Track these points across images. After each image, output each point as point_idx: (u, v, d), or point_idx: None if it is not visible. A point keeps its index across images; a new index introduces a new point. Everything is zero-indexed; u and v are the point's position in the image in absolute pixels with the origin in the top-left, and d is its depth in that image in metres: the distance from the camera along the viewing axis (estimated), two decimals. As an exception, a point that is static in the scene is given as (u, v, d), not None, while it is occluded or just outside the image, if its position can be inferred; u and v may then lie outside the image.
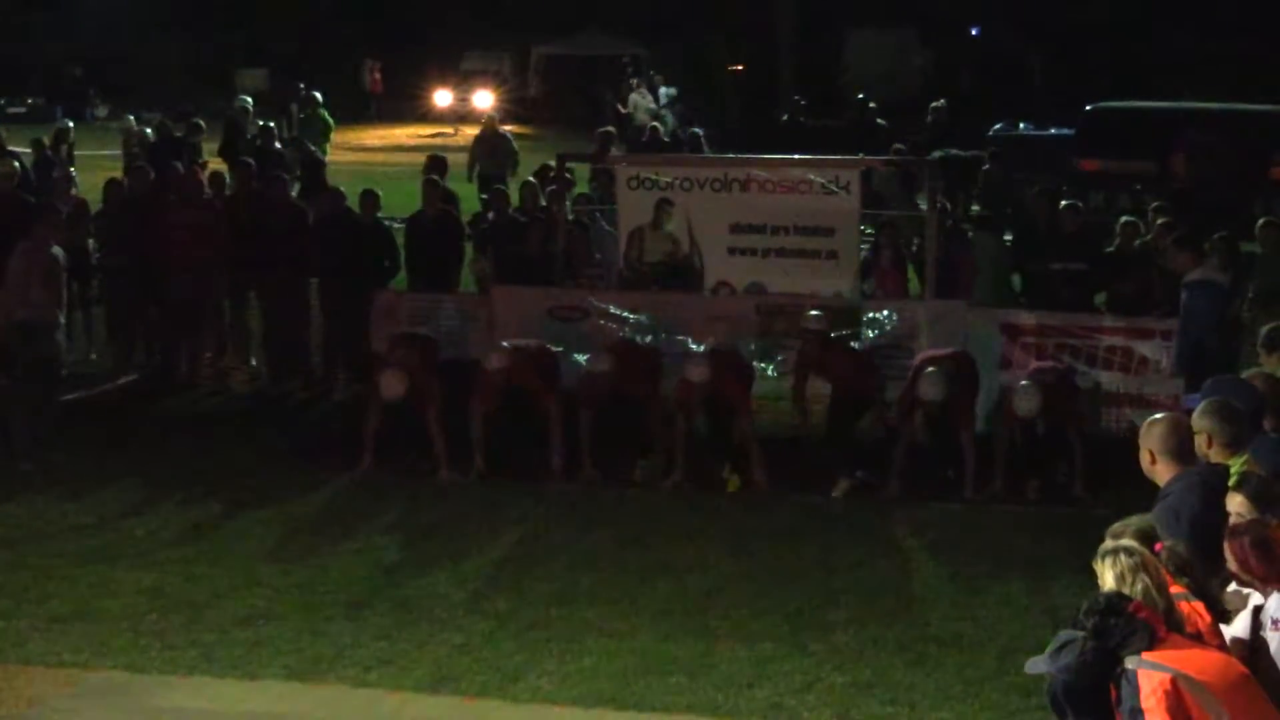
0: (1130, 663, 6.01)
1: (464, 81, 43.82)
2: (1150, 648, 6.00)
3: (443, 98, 43.04)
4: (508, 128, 31.37)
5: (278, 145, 26.05)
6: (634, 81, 38.26)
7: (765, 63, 35.91)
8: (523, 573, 12.00)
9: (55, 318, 14.92)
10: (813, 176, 16.34)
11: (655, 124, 31.89)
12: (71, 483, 14.35)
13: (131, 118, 30.92)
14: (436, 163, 20.61)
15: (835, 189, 16.02)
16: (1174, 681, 5.90)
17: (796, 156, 19.01)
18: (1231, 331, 14.46)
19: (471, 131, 33.13)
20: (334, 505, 13.75)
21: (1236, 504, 7.08)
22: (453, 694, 10.07)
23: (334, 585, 12.00)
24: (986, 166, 25.33)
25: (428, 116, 39.61)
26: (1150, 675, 5.94)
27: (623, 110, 36.40)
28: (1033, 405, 12.43)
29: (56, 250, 15.00)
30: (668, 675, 10.18)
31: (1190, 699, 5.95)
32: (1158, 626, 6.08)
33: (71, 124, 27.03)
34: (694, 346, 15.44)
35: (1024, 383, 13.01)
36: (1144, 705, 5.90)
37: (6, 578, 12.17)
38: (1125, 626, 6.07)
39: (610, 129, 28.85)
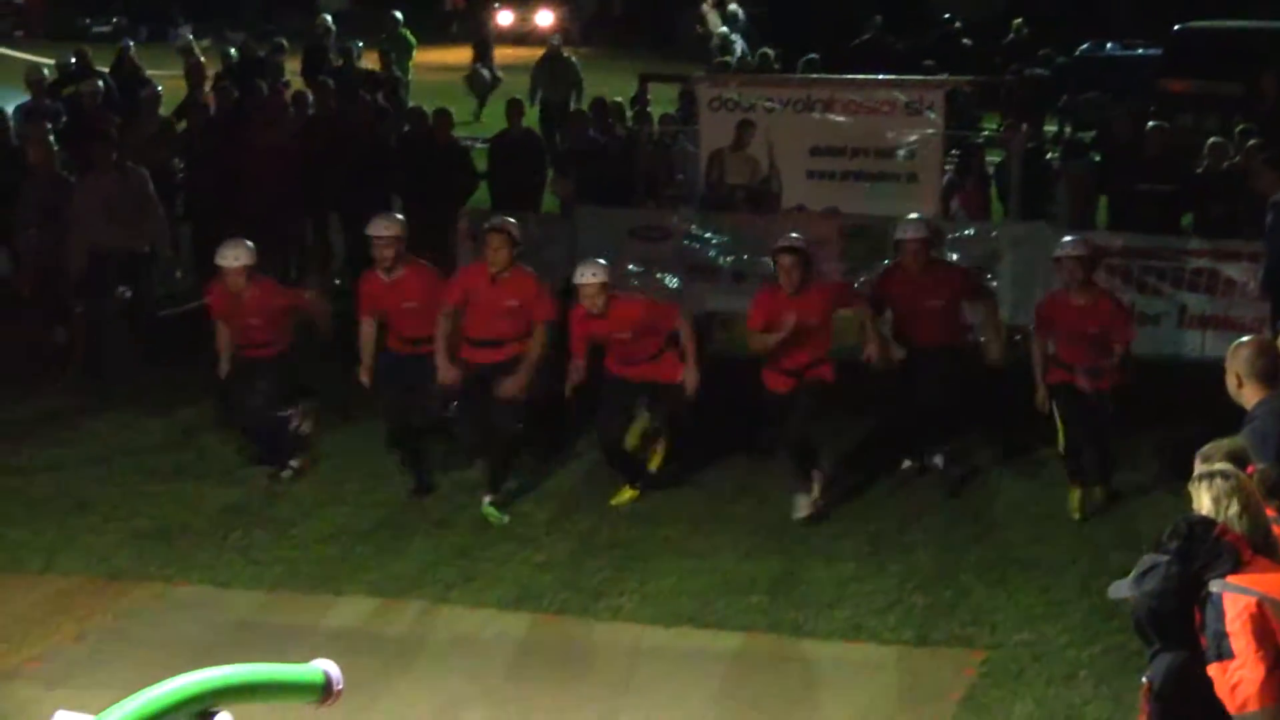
0: (1215, 586, 6.01)
1: (528, 5, 43.00)
2: (1235, 571, 6.03)
3: (504, 17, 41.75)
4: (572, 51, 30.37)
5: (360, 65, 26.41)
6: (708, 3, 37.63)
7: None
8: (605, 493, 11.87)
9: (142, 244, 15.05)
10: (898, 96, 16.18)
11: (724, 45, 31.64)
12: (159, 401, 14.70)
13: (191, 36, 30.68)
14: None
15: (919, 109, 15.76)
16: (1259, 605, 5.93)
17: (881, 77, 18.80)
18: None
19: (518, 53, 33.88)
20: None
21: None
22: (533, 611, 10.19)
23: (417, 503, 12.05)
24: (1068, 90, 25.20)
25: (490, 37, 38.09)
26: (1236, 599, 5.95)
27: (699, 30, 35.54)
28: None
29: (142, 171, 15.13)
30: (748, 594, 10.33)
31: (1276, 622, 5.95)
32: (1243, 550, 6.09)
33: (131, 43, 26.33)
34: (772, 266, 15.61)
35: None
36: (1229, 629, 5.92)
37: (96, 494, 12.38)
38: (1211, 550, 6.09)
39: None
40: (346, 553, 10.82)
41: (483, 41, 33.09)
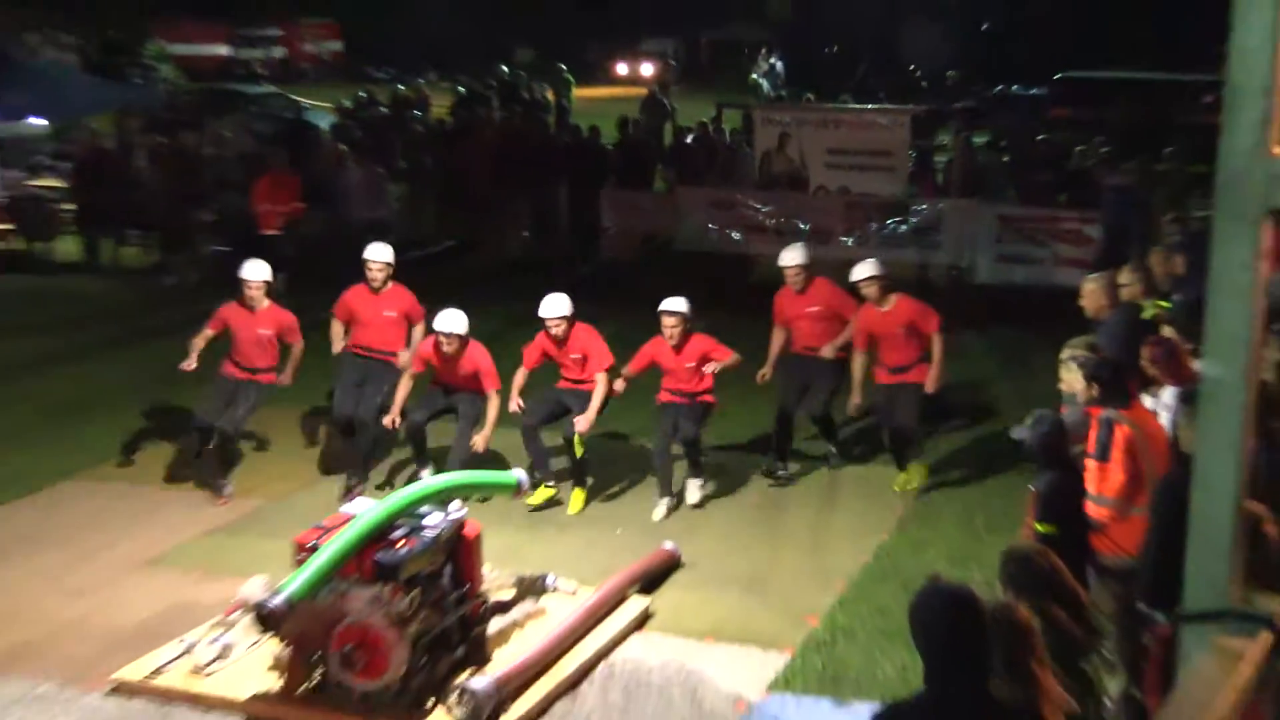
0: (1109, 414, 7.03)
1: (636, 58, 46.35)
2: (1126, 408, 7.09)
3: (621, 67, 45.55)
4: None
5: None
6: (762, 53, 41.55)
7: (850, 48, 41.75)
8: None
9: (382, 212, 18.77)
10: (879, 119, 19.73)
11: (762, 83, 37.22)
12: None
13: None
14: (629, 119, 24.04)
15: (894, 126, 19.17)
16: (1133, 432, 6.95)
17: (870, 106, 22.44)
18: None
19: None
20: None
21: (1166, 330, 8.42)
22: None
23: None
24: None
25: (612, 79, 43.58)
26: (1122, 426, 6.97)
27: (753, 77, 40.28)
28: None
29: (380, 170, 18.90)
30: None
31: (1138, 448, 6.93)
32: (1134, 394, 7.28)
33: (400, 85, 30.71)
34: (802, 226, 18.11)
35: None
36: (1113, 442, 6.88)
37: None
38: (1119, 389, 7.12)
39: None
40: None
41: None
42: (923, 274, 17.94)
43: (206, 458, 10.99)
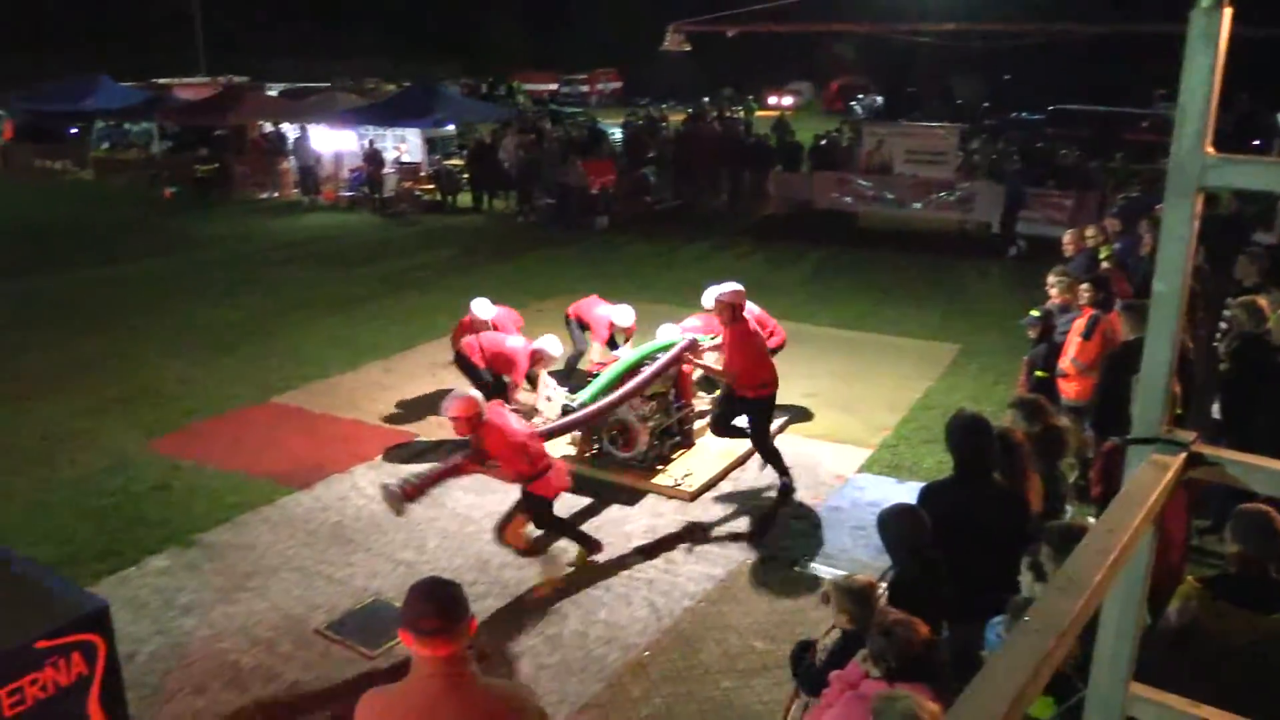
0: (1098, 313, 7.29)
1: (783, 92, 49.78)
2: (1108, 310, 7.21)
3: (771, 99, 48.07)
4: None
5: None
6: (867, 93, 44.29)
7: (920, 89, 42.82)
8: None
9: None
10: (938, 131, 20.99)
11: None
12: (638, 232, 18.66)
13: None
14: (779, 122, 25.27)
15: (948, 137, 20.54)
16: (1107, 327, 7.17)
17: (933, 124, 23.29)
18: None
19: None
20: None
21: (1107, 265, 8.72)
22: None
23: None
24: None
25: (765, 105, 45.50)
26: (1104, 321, 7.19)
27: (852, 104, 42.58)
28: None
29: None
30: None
31: (1108, 337, 7.14)
32: (1113, 303, 7.35)
33: (650, 108, 35.62)
34: (889, 196, 19.86)
35: None
36: (1096, 332, 7.21)
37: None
38: (1106, 296, 7.39)
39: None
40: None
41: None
42: (962, 228, 18.86)
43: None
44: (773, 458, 7.83)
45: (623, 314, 9.71)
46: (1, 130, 30.40)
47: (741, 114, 31.56)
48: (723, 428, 7.98)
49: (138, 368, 11.10)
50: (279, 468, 8.33)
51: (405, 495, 6.32)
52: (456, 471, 6.46)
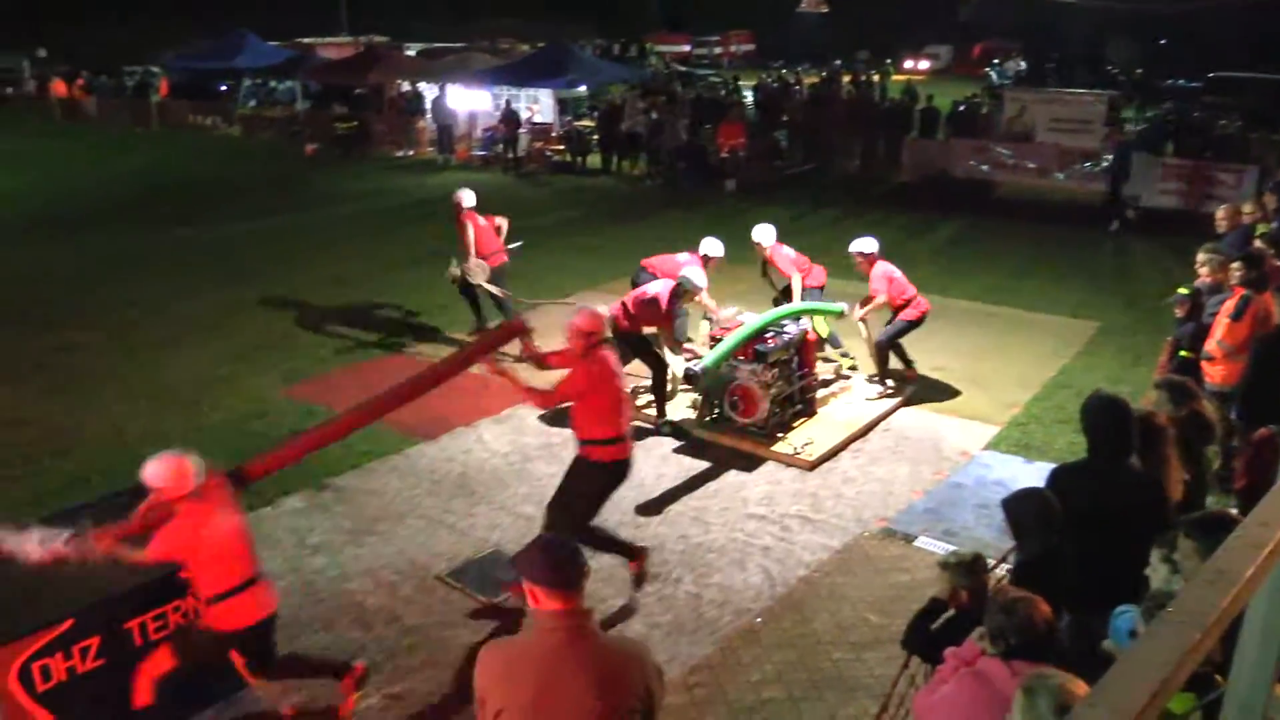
0: (1249, 293, 7.02)
1: (919, 56, 48.85)
2: (1261, 291, 6.93)
3: (908, 63, 47.56)
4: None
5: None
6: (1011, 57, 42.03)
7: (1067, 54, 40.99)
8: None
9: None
10: (1085, 98, 20.44)
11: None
12: (767, 197, 18.49)
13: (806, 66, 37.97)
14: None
15: (1095, 104, 20.11)
16: (1259, 308, 6.88)
17: (1080, 91, 22.62)
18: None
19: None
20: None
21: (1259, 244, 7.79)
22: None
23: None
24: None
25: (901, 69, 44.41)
26: (1255, 301, 6.82)
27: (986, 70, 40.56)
28: None
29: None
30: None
31: (1259, 318, 6.76)
32: (1267, 284, 7.09)
33: (785, 70, 35.74)
34: (1030, 165, 19.54)
35: None
36: (1247, 313, 6.75)
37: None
38: (1260, 276, 7.35)
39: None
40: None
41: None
42: (1107, 200, 17.66)
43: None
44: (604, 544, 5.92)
45: (712, 246, 9.09)
46: (157, 87, 31.60)
47: (876, 78, 30.82)
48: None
49: (277, 317, 11.63)
50: (407, 418, 8.49)
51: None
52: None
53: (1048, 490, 4.13)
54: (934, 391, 9.28)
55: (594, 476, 5.75)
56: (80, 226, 16.67)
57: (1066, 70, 35.96)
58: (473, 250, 10.27)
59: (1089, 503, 4.15)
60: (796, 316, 8.36)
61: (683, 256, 9.20)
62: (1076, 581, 3.91)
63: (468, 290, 10.52)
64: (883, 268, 8.67)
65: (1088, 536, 4.07)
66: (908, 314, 8.74)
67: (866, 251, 8.83)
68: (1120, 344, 10.54)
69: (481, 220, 10.43)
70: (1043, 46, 41.36)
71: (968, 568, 3.88)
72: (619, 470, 5.76)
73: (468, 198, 10.44)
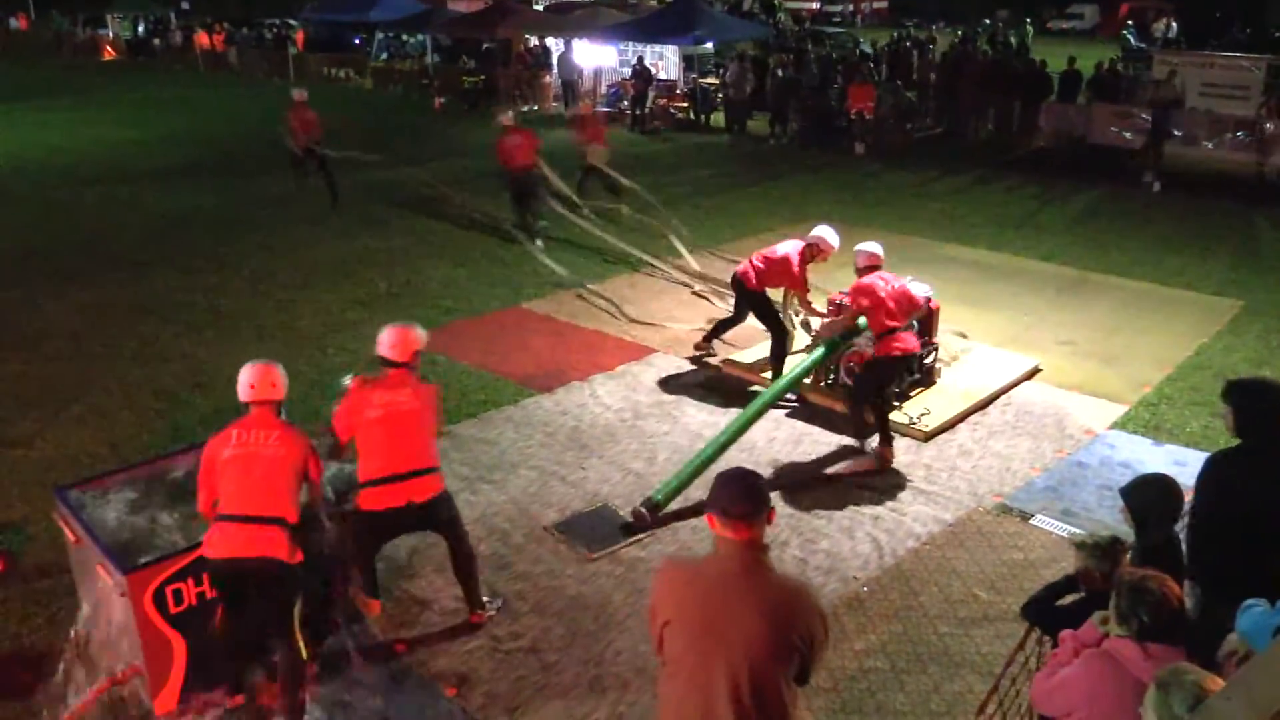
0: None
1: (1064, 14, 46.14)
2: None
3: (1052, 23, 44.91)
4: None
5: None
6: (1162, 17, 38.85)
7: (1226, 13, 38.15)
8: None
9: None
10: (1242, 62, 19.28)
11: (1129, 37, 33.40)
12: (896, 160, 18.23)
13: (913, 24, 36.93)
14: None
15: (1251, 69, 19.09)
16: None
17: (1236, 54, 21.28)
18: None
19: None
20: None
21: None
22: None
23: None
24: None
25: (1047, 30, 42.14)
26: None
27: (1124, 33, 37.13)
28: None
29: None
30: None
31: None
32: None
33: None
34: (1176, 133, 18.32)
35: None
36: None
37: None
38: None
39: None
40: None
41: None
42: (1259, 170, 17.24)
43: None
44: None
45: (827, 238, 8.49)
46: (294, 40, 32.72)
47: (1014, 40, 29.53)
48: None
49: (405, 266, 11.90)
50: (524, 370, 8.74)
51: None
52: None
53: (1171, 478, 4.02)
54: (1061, 367, 9.01)
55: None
56: (224, 172, 17.37)
57: (1222, 32, 33.66)
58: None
59: (1234, 489, 4.10)
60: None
61: (786, 245, 8.53)
62: (1217, 564, 3.85)
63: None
64: (871, 281, 7.27)
65: (1227, 523, 4.01)
66: (889, 348, 7.23)
67: (869, 251, 7.58)
68: (1266, 325, 10.07)
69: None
70: (1200, 6, 38.53)
71: (1105, 550, 3.83)
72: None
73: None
